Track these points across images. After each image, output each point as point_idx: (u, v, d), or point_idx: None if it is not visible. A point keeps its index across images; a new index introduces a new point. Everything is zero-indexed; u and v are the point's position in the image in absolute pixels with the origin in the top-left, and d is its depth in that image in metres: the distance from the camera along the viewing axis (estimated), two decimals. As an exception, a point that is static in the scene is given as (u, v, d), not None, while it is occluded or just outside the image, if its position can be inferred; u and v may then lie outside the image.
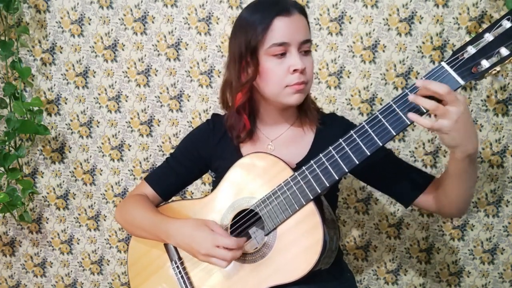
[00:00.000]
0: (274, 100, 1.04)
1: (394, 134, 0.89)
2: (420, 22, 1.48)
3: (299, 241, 0.95)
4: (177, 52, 1.60)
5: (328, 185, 0.93)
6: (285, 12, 0.97)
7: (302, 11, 1.01)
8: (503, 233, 1.59)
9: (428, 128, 0.84)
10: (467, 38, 0.88)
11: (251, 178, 1.03)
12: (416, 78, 1.51)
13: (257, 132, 1.12)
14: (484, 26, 0.88)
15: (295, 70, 0.98)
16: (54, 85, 1.68)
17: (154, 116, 1.66)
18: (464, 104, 0.82)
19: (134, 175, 1.71)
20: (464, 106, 0.82)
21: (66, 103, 1.69)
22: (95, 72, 1.65)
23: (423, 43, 1.50)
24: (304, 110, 1.10)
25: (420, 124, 0.85)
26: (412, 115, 0.86)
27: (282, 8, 0.98)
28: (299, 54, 0.99)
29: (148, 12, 1.58)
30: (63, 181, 1.75)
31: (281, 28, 0.97)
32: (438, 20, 1.47)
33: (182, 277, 1.05)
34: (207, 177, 1.67)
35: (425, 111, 0.86)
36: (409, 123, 0.88)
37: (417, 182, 1.05)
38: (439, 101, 0.83)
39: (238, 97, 1.07)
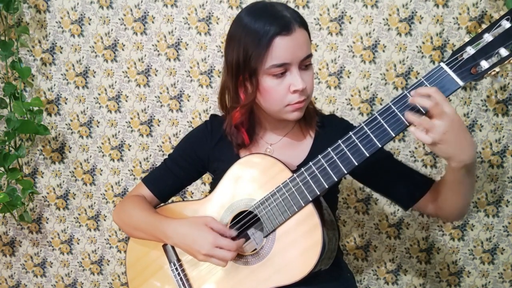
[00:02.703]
0: (274, 115, 1.03)
1: (393, 135, 0.88)
2: (420, 22, 1.48)
3: (298, 243, 0.95)
4: (177, 52, 1.60)
5: (327, 186, 0.93)
6: (285, 30, 0.93)
7: (303, 23, 0.97)
8: (503, 233, 1.59)
9: (423, 141, 0.84)
10: (467, 38, 0.87)
11: (250, 179, 1.03)
12: (416, 78, 1.51)
13: (256, 136, 1.12)
14: (484, 26, 0.87)
15: (295, 91, 0.96)
16: (54, 85, 1.68)
17: (154, 116, 1.66)
18: (452, 117, 0.81)
19: (134, 175, 1.71)
20: (450, 120, 0.81)
21: (66, 103, 1.69)
22: (95, 72, 1.65)
23: (423, 43, 1.49)
24: (304, 117, 1.09)
25: (417, 137, 0.84)
26: (412, 129, 0.85)
27: (282, 25, 0.93)
28: (300, 70, 0.97)
29: (148, 12, 1.58)
30: (63, 181, 1.75)
31: (282, 49, 0.93)
32: (438, 20, 1.47)
33: (181, 278, 1.05)
34: (207, 177, 1.67)
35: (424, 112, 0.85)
36: (408, 124, 0.87)
37: (417, 185, 1.04)
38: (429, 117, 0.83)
39: (236, 116, 1.05)
